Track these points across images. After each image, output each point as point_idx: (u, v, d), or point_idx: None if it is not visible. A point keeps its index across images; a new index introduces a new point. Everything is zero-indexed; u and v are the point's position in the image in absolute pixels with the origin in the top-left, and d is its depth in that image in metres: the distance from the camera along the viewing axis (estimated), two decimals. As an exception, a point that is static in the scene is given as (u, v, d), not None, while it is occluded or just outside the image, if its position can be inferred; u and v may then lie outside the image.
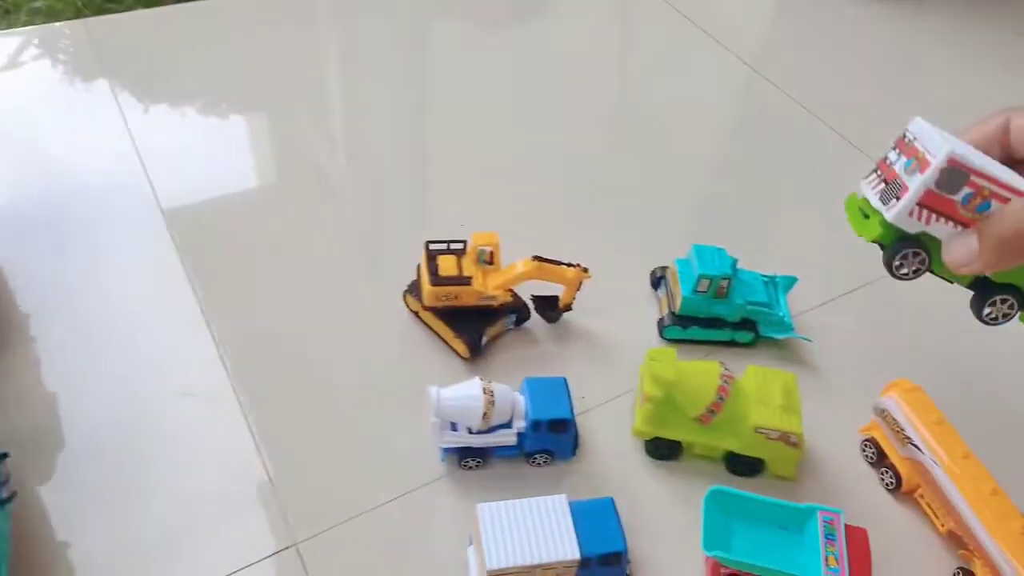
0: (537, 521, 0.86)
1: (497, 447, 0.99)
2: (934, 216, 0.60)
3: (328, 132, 1.55)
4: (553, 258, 1.11)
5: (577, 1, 1.94)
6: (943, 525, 0.97)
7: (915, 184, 0.60)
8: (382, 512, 0.96)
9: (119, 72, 1.57)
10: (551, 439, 0.99)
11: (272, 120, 1.55)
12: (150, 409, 1.05)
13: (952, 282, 0.67)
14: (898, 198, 0.61)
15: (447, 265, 1.10)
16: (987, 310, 0.66)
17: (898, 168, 0.62)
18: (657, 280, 1.25)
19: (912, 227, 0.62)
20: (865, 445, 1.05)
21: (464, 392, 0.96)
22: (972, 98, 1.73)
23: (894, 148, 0.65)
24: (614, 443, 1.06)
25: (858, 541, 0.89)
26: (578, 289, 1.15)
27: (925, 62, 1.86)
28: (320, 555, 0.92)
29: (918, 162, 0.61)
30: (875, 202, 0.64)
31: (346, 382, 1.11)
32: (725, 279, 1.13)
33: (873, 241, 0.66)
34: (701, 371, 1.00)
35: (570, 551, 0.84)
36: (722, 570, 0.91)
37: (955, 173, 0.58)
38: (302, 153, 1.48)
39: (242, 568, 0.91)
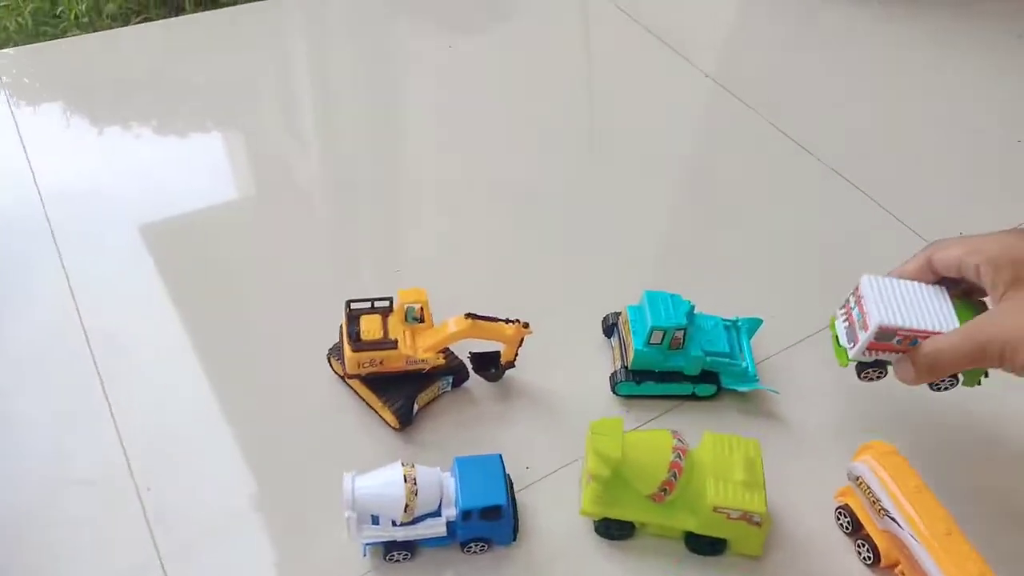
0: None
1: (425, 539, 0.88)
2: (881, 351, 0.92)
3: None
4: (489, 315, 1.00)
5: (533, 19, 1.82)
6: (928, 609, 0.87)
7: (863, 337, 0.91)
8: (299, 619, 0.86)
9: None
10: (485, 527, 0.88)
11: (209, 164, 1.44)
12: (47, 494, 0.94)
13: None
14: (854, 342, 0.93)
15: (371, 327, 0.98)
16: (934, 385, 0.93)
17: (855, 315, 0.94)
18: (610, 327, 1.14)
19: (868, 357, 0.94)
20: (840, 513, 0.95)
21: (383, 480, 0.85)
22: (959, 107, 1.63)
23: (853, 294, 0.95)
24: (561, 521, 0.95)
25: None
26: (520, 345, 1.04)
27: (906, 69, 1.75)
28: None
29: (864, 318, 0.91)
30: (843, 340, 0.96)
31: (260, 463, 0.99)
32: (680, 330, 1.02)
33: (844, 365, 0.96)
34: (651, 444, 0.89)
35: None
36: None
37: (886, 332, 0.89)
38: (241, 175, 1.37)
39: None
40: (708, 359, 1.05)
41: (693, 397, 1.08)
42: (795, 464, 1.00)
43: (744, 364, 1.07)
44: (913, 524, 0.85)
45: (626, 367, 1.06)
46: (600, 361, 1.12)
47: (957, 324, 0.88)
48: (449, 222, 1.34)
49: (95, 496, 0.95)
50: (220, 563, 0.90)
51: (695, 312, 1.08)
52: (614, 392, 1.08)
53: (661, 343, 1.03)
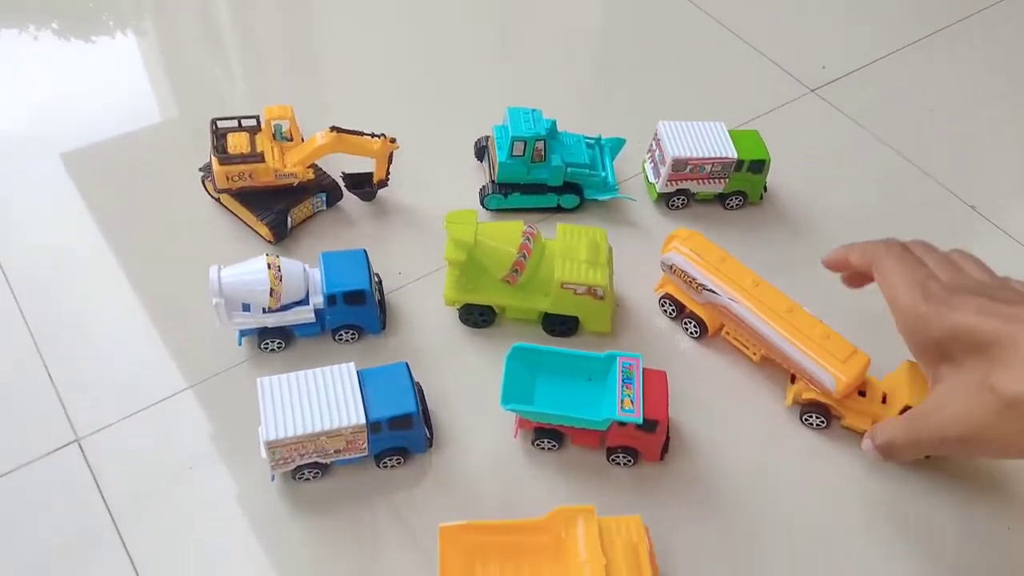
0: (322, 390, 0.82)
1: (297, 326, 0.95)
2: (680, 180, 1.15)
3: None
4: (355, 129, 1.05)
5: None
6: (755, 354, 0.98)
7: (663, 171, 1.13)
8: (173, 403, 0.92)
9: None
10: (352, 312, 0.94)
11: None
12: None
13: None
14: (659, 177, 1.15)
15: (238, 142, 1.02)
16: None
17: (656, 156, 1.16)
18: (481, 150, 1.20)
19: (671, 188, 1.16)
20: (663, 302, 1.04)
21: (247, 268, 0.90)
22: None
23: (654, 139, 1.17)
24: (430, 316, 1.02)
25: (657, 382, 0.88)
26: (390, 162, 1.09)
27: None
28: (103, 450, 0.87)
29: (663, 156, 1.13)
30: (651, 177, 1.18)
31: (139, 269, 1.04)
32: (540, 140, 1.08)
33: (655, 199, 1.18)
34: (503, 230, 0.96)
35: (355, 416, 0.81)
36: (528, 424, 0.89)
37: (679, 163, 1.12)
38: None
39: (21, 466, 0.86)
40: (569, 170, 1.12)
41: (559, 209, 1.15)
42: (646, 262, 1.09)
43: (604, 174, 1.15)
44: (725, 286, 0.95)
45: (493, 180, 1.12)
46: (473, 184, 1.18)
47: (734, 150, 1.12)
48: (333, 49, 1.37)
49: None
50: (103, 365, 0.95)
51: (559, 130, 1.14)
52: (483, 206, 1.14)
53: (523, 154, 1.10)
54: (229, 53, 1.41)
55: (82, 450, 0.87)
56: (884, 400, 0.93)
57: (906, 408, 0.88)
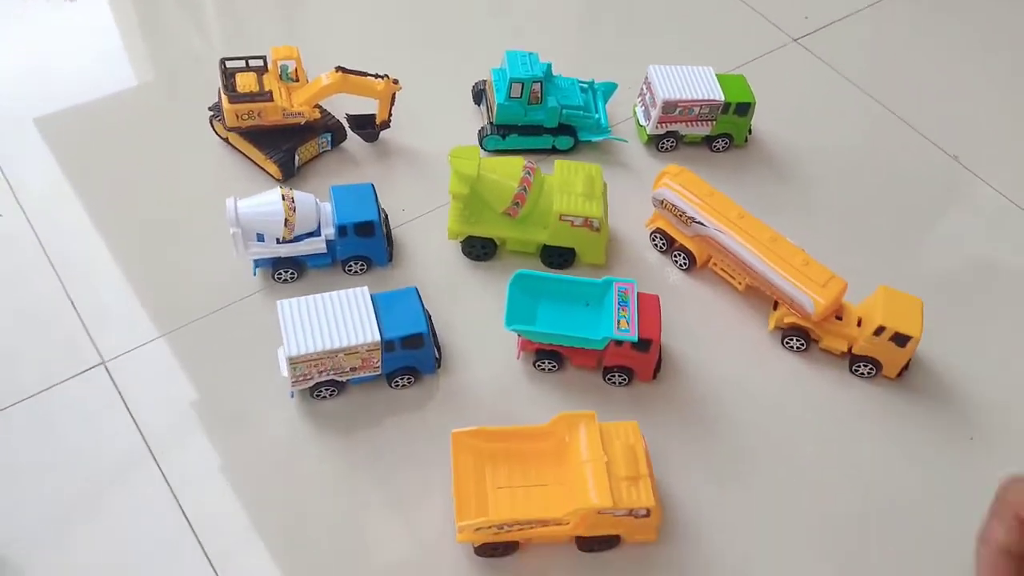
0: (338, 311, 0.88)
1: (309, 256, 0.99)
2: (670, 123, 1.20)
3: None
4: (359, 70, 1.09)
5: None
6: (740, 283, 1.05)
7: (654, 113, 1.19)
8: (192, 329, 0.96)
9: None
10: (362, 244, 0.99)
11: None
12: None
13: None
14: (649, 120, 1.21)
15: (246, 82, 1.05)
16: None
17: (647, 99, 1.21)
18: (479, 94, 1.24)
19: (661, 130, 1.21)
20: (654, 236, 1.10)
21: (263, 200, 0.95)
22: None
23: (644, 83, 1.22)
24: (434, 249, 1.07)
25: (650, 305, 0.94)
26: (392, 103, 1.13)
27: None
28: (129, 372, 0.92)
29: (653, 99, 1.18)
30: (641, 120, 1.22)
31: (152, 209, 1.08)
32: (537, 82, 1.13)
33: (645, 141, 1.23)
34: (505, 165, 1.01)
35: (371, 334, 0.86)
36: (530, 346, 0.95)
37: (669, 105, 1.17)
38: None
39: (52, 386, 0.90)
40: (564, 111, 1.17)
41: (554, 151, 1.20)
42: (638, 201, 1.14)
43: (597, 116, 1.20)
44: (713, 218, 1.01)
45: (492, 122, 1.17)
46: (472, 126, 1.22)
47: (721, 93, 1.17)
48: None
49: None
50: (124, 292, 0.99)
51: (554, 74, 1.19)
52: (482, 147, 1.19)
53: (521, 96, 1.14)
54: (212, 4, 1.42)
55: (108, 372, 0.92)
56: (859, 324, 1.00)
57: (880, 328, 0.95)
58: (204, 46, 1.32)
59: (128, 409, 0.90)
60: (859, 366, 1.00)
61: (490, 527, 0.77)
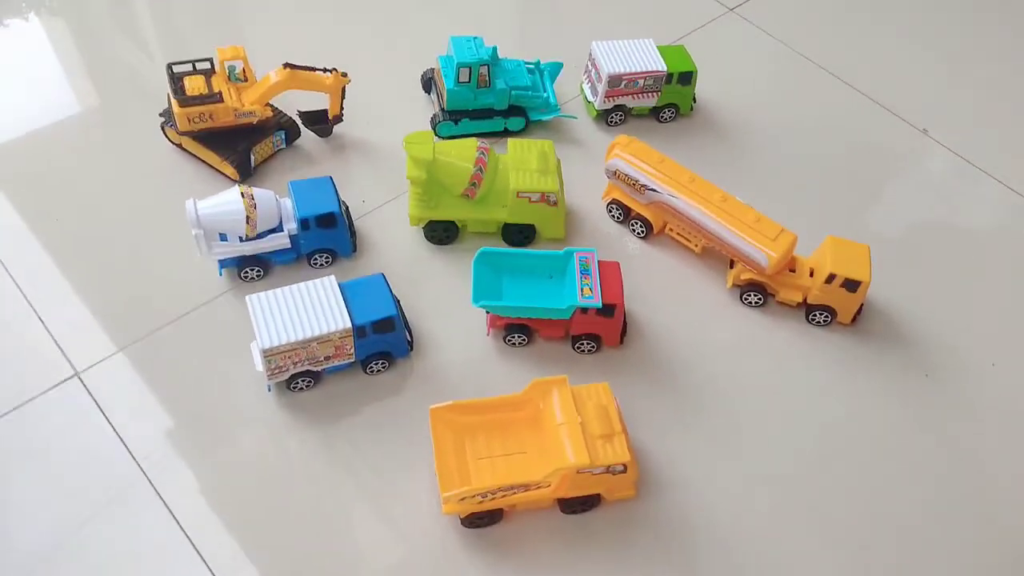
0: (308, 301, 0.89)
1: (274, 253, 1.00)
2: (617, 96, 1.23)
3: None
4: (307, 65, 1.10)
5: None
6: (696, 245, 1.08)
7: (600, 88, 1.22)
8: (163, 334, 0.97)
9: None
10: (325, 236, 1.01)
11: None
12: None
13: None
14: (596, 95, 1.24)
15: (195, 85, 1.06)
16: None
17: (593, 76, 1.24)
18: (428, 82, 1.25)
19: (609, 104, 1.24)
20: (610, 207, 1.13)
21: (222, 199, 0.95)
22: None
23: (589, 59, 1.25)
24: (397, 237, 1.09)
25: (611, 272, 0.97)
26: (343, 97, 1.14)
27: None
28: (104, 381, 0.92)
29: (599, 74, 1.21)
30: (589, 96, 1.26)
31: (111, 220, 1.07)
32: (483, 66, 1.15)
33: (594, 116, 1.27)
34: (458, 147, 1.03)
35: (341, 321, 0.88)
36: (498, 322, 0.98)
37: (615, 79, 1.20)
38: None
39: (26, 401, 0.90)
40: (514, 93, 1.19)
41: (506, 133, 1.22)
42: (591, 175, 1.17)
43: (546, 95, 1.22)
44: (665, 183, 1.04)
45: (443, 108, 1.19)
46: (423, 114, 1.24)
47: (663, 64, 1.20)
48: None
49: None
50: (89, 303, 0.99)
51: (500, 57, 1.21)
52: (436, 134, 1.20)
53: (469, 80, 1.16)
54: (148, 12, 1.41)
55: (83, 382, 0.92)
56: (812, 275, 1.04)
57: (831, 276, 1.00)
58: (142, 56, 1.32)
59: (106, 416, 0.90)
60: (815, 315, 1.04)
61: (473, 496, 0.79)
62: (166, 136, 1.13)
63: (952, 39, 1.49)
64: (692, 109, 1.28)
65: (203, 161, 1.12)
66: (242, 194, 0.95)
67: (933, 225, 1.20)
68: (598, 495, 0.85)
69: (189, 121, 1.05)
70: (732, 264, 1.06)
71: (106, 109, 1.23)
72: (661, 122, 1.27)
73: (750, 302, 1.06)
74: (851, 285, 1.00)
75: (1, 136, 1.17)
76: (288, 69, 1.07)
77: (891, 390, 1.01)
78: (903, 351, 1.04)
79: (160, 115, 1.12)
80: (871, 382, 1.01)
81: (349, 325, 0.87)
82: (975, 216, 1.22)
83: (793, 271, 1.04)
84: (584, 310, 0.94)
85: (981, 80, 1.41)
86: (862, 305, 1.04)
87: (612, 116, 1.25)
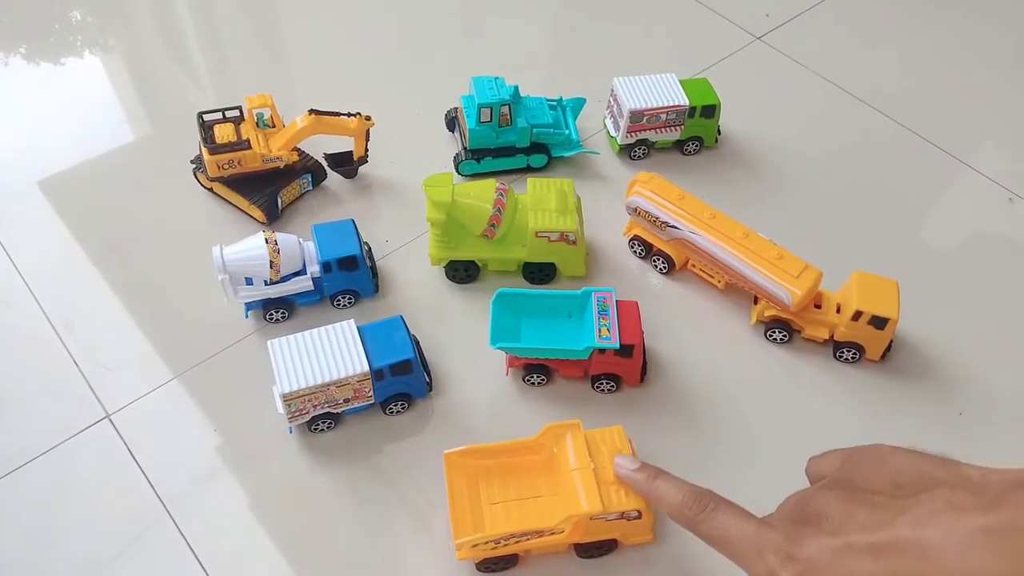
0: (327, 346, 0.91)
1: (298, 295, 1.03)
2: (639, 131, 1.23)
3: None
4: (332, 110, 1.13)
5: None
6: (719, 281, 1.07)
7: (622, 124, 1.21)
8: (191, 376, 1.00)
9: None
10: (347, 278, 1.03)
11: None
12: None
13: None
14: (619, 130, 1.24)
15: (224, 133, 1.09)
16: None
17: (615, 110, 1.24)
18: (451, 121, 1.27)
19: (632, 139, 1.24)
20: (632, 244, 1.13)
21: (247, 245, 0.98)
22: None
23: (611, 95, 1.25)
24: (418, 277, 1.10)
25: (630, 311, 0.96)
26: (367, 139, 1.17)
27: None
28: (134, 423, 0.95)
29: (620, 109, 1.21)
30: (611, 131, 1.27)
31: (144, 262, 1.11)
32: (505, 105, 1.16)
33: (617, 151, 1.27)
34: (477, 189, 1.04)
35: (359, 365, 0.89)
36: (517, 362, 0.98)
37: (636, 114, 1.21)
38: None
39: (60, 443, 0.94)
40: (535, 130, 1.20)
41: (528, 169, 1.23)
42: (614, 210, 1.17)
43: (568, 132, 1.23)
44: (686, 220, 1.04)
45: (465, 147, 1.20)
46: (447, 153, 1.26)
47: (685, 98, 1.20)
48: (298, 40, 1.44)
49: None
50: (124, 345, 1.03)
51: (521, 95, 1.22)
52: (458, 172, 1.22)
53: (491, 120, 1.17)
54: (194, 58, 1.47)
55: (113, 424, 0.95)
56: (838, 310, 1.02)
57: (858, 313, 0.97)
58: (179, 99, 1.37)
59: (134, 458, 0.93)
60: (842, 352, 1.02)
61: (487, 542, 0.79)
62: (197, 180, 1.17)
63: (992, 64, 1.45)
64: (717, 141, 1.27)
65: (233, 204, 1.15)
66: (266, 240, 0.98)
67: (968, 259, 1.16)
68: (615, 540, 0.84)
69: (219, 167, 1.09)
70: (756, 300, 1.05)
71: (140, 155, 1.28)
72: (685, 155, 1.26)
73: (775, 338, 1.04)
74: (879, 322, 0.97)
75: (45, 173, 1.23)
76: (313, 115, 1.10)
77: (923, 428, 0.98)
78: (936, 388, 1.01)
79: (192, 162, 1.16)
80: (902, 420, 0.98)
81: (367, 369, 0.89)
82: (1012, 250, 1.18)
83: (819, 307, 1.02)
84: (602, 351, 0.94)
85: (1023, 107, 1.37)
86: (892, 341, 1.01)
87: (635, 150, 1.25)
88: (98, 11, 1.52)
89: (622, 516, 0.80)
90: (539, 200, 1.05)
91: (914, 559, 0.47)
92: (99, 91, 1.38)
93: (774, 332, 1.04)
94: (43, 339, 1.03)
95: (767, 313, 1.03)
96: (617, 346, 0.93)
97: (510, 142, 1.20)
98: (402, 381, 0.93)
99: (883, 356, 1.02)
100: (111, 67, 1.44)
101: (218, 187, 1.14)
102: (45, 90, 1.38)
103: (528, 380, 0.99)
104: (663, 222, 1.05)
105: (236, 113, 1.12)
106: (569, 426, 0.84)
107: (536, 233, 1.03)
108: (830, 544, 0.50)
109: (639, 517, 0.81)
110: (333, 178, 1.20)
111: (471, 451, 0.85)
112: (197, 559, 0.86)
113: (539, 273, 1.08)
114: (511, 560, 0.83)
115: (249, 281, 1.00)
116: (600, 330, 0.94)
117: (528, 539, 0.80)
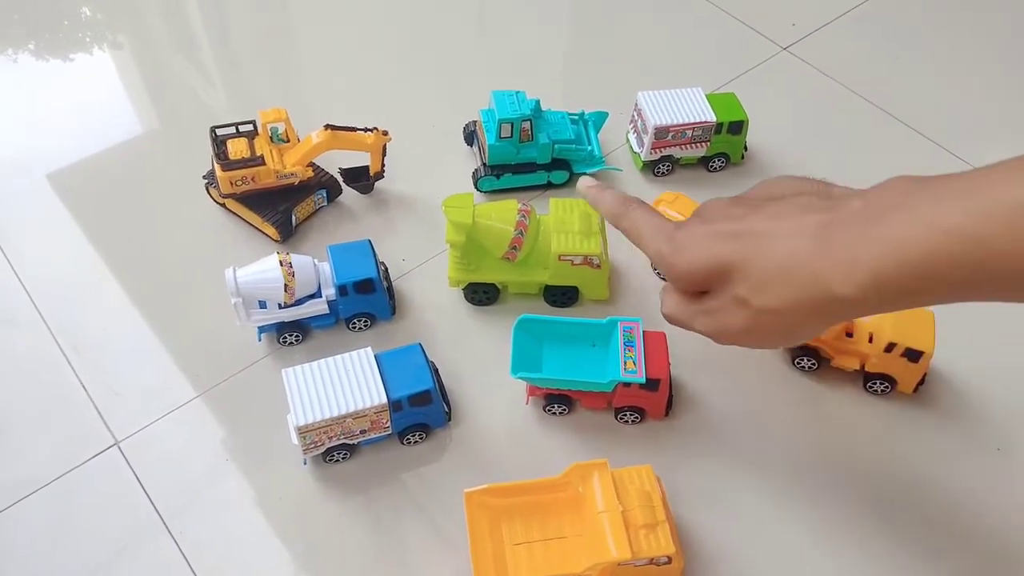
0: (343, 375, 0.88)
1: (312, 318, 1.00)
2: (663, 148, 1.19)
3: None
4: (348, 125, 1.09)
5: None
6: (744, 312, 1.03)
7: (647, 140, 1.18)
8: (203, 401, 0.97)
9: None
10: (363, 301, 0.99)
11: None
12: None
13: None
14: (643, 146, 1.20)
15: (238, 148, 1.06)
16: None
17: (639, 126, 1.19)
18: (470, 135, 1.24)
19: (656, 155, 1.20)
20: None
21: (261, 267, 0.95)
22: None
23: (635, 110, 1.20)
24: (437, 298, 1.07)
25: (657, 343, 0.93)
26: (384, 154, 1.13)
27: None
28: (142, 450, 0.93)
29: (645, 125, 1.18)
30: (635, 147, 1.22)
31: (154, 281, 1.09)
32: (526, 121, 1.13)
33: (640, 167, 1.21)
34: (499, 210, 1.01)
35: (377, 397, 0.86)
36: (538, 391, 0.95)
37: (661, 130, 1.16)
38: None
39: (69, 471, 0.91)
40: (556, 146, 1.16)
41: (549, 186, 1.20)
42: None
43: (590, 148, 1.19)
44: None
45: (485, 163, 1.17)
46: (466, 168, 1.22)
47: (712, 113, 1.16)
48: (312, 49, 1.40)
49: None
50: (132, 370, 1.00)
51: (543, 109, 1.19)
52: (477, 188, 1.19)
53: (511, 135, 1.14)
54: (206, 60, 1.44)
55: (122, 452, 0.93)
56: (870, 339, 0.98)
57: (891, 345, 0.94)
58: (191, 99, 1.33)
59: (142, 486, 0.90)
60: (874, 383, 0.98)
61: (509, 587, 0.76)
62: (210, 195, 1.14)
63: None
64: (743, 158, 1.23)
65: (246, 221, 1.12)
66: (280, 262, 0.95)
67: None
68: (642, 584, 0.81)
69: (232, 184, 1.05)
70: (785, 327, 1.01)
71: (151, 164, 1.25)
72: (711, 172, 1.23)
73: (803, 366, 1.01)
74: (913, 355, 0.94)
75: (51, 181, 1.20)
76: (329, 130, 1.07)
77: (959, 465, 0.94)
78: (972, 423, 0.98)
79: (204, 177, 1.12)
80: (935, 456, 0.95)
81: (385, 400, 0.86)
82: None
83: (851, 335, 0.99)
84: (627, 384, 0.91)
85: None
86: (925, 375, 0.97)
87: (659, 167, 1.21)
88: (107, 7, 1.49)
89: (651, 562, 0.77)
90: (562, 222, 1.02)
91: (755, 241, 0.61)
92: (108, 92, 1.35)
93: (802, 360, 1.00)
94: (49, 360, 1.01)
95: (796, 341, 0.99)
96: (643, 380, 0.89)
97: (531, 158, 1.16)
98: (421, 412, 0.90)
99: (916, 389, 0.98)
100: (121, 64, 1.41)
101: (231, 203, 1.11)
102: (51, 91, 1.35)
103: (549, 410, 0.96)
104: (690, 246, 1.01)
105: (250, 127, 1.08)
106: (595, 465, 0.81)
107: (559, 256, 1.00)
108: (703, 230, 0.66)
109: (668, 563, 0.78)
110: (348, 193, 1.17)
111: (493, 490, 0.82)
112: (208, 594, 0.83)
113: (561, 296, 1.05)
114: (534, 603, 0.80)
115: (262, 304, 0.96)
116: (626, 363, 0.91)
117: (552, 584, 0.78)
